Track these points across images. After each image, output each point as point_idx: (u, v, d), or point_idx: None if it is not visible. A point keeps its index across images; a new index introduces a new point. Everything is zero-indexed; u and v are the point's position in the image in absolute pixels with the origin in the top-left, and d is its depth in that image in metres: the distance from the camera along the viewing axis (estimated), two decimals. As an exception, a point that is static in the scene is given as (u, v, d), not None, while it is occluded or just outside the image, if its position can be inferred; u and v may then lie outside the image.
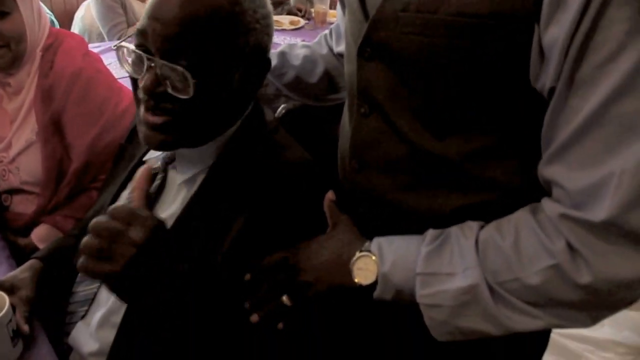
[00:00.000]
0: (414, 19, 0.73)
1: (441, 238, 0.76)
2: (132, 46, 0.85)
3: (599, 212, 0.62)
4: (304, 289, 0.84)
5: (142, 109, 0.87)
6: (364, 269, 0.80)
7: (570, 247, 0.66)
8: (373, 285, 0.80)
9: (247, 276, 0.86)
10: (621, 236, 0.63)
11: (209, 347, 0.86)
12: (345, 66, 0.95)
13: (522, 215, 0.73)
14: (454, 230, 0.77)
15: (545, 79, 0.66)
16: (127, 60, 0.88)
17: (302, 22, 3.03)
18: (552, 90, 0.66)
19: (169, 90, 0.82)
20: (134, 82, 0.89)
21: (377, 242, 0.81)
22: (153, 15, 0.82)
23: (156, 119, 0.85)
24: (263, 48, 0.91)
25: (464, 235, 0.75)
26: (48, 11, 1.41)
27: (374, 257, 0.80)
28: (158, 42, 0.81)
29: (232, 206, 0.89)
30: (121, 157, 1.16)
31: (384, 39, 0.78)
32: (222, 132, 0.95)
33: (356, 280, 0.80)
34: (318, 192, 0.91)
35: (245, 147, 0.94)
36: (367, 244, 0.82)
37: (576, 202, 0.65)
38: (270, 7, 0.93)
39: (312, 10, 3.15)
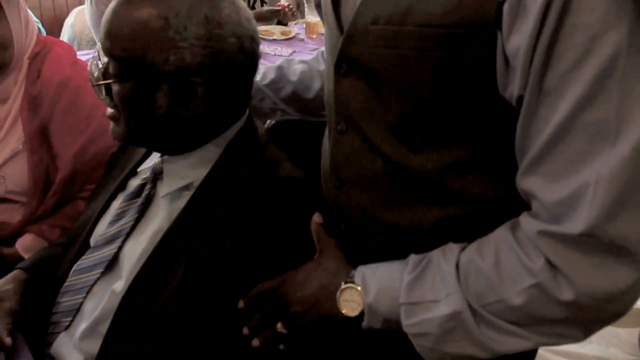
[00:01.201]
0: (383, 31, 0.73)
1: (423, 264, 0.76)
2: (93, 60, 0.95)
3: (577, 224, 0.61)
4: (294, 319, 0.84)
5: None
6: (350, 301, 0.80)
7: (550, 264, 0.65)
8: (361, 315, 0.80)
9: (241, 304, 0.86)
10: (600, 248, 0.62)
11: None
12: (325, 83, 0.95)
13: (501, 234, 0.72)
14: (435, 254, 0.76)
15: (512, 88, 0.66)
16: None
17: (294, 32, 3.03)
18: (520, 99, 0.65)
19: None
20: None
21: (361, 271, 0.81)
22: (102, 24, 0.90)
23: (109, 111, 0.94)
24: (193, 69, 0.86)
25: (445, 260, 0.75)
26: (35, 19, 1.40)
27: (358, 288, 0.79)
28: (102, 45, 0.90)
29: (222, 222, 0.89)
30: (113, 166, 1.16)
31: (357, 54, 0.78)
32: (199, 143, 0.95)
33: (343, 311, 0.80)
34: (309, 208, 0.91)
35: (235, 162, 0.95)
36: (352, 272, 0.82)
37: (553, 215, 0.65)
38: (231, 29, 0.88)
39: (303, 20, 3.17)
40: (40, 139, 1.38)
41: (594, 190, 0.60)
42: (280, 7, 3.21)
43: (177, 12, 0.84)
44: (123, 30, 0.85)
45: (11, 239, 1.41)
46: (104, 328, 0.94)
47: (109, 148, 1.40)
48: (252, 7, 3.30)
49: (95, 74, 0.92)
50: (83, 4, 3.07)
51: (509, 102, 0.69)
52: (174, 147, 0.97)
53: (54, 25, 3.50)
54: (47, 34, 1.49)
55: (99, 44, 0.92)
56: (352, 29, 0.78)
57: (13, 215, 1.43)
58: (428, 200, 0.81)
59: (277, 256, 0.87)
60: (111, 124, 0.95)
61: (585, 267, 0.63)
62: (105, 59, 0.91)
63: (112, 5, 0.88)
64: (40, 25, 2.63)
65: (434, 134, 0.76)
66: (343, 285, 0.80)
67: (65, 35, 3.01)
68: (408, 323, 0.75)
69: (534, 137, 0.65)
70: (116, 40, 0.86)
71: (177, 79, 0.86)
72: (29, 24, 1.39)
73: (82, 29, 2.97)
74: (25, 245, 1.39)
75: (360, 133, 0.83)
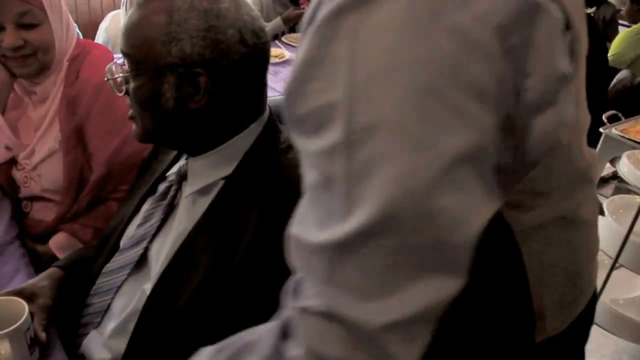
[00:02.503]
0: None
1: None
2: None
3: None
4: None
5: None
6: None
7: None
8: None
9: None
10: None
11: None
12: None
13: None
14: None
15: None
16: None
17: (287, 55, 3.00)
18: None
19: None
20: None
21: None
22: None
23: (130, 112, 1.00)
24: (196, 60, 0.90)
25: None
26: (73, 22, 1.43)
27: None
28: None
29: (243, 222, 0.90)
30: (144, 171, 1.18)
31: None
32: (216, 141, 0.97)
33: None
34: None
35: (256, 164, 0.96)
36: None
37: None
38: (230, 21, 0.91)
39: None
40: (76, 139, 1.41)
41: None
42: (304, 6, 3.18)
43: (179, 7, 0.90)
44: (132, 28, 0.94)
45: (45, 237, 1.44)
46: (131, 326, 0.96)
47: (143, 150, 1.41)
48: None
49: (115, 74, 1.00)
50: (117, 8, 3.13)
51: None
52: (191, 145, 1.00)
53: (89, 29, 3.57)
54: (82, 37, 1.52)
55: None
56: None
57: (47, 214, 1.47)
58: None
59: None
60: (133, 125, 1.01)
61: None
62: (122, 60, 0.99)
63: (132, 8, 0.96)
64: (77, 29, 2.68)
65: None
66: None
67: (99, 39, 3.06)
68: None
69: None
70: (127, 37, 0.94)
71: (181, 71, 0.91)
72: (70, 27, 1.43)
73: (116, 33, 3.02)
74: (58, 243, 1.42)
75: None
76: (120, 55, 1.00)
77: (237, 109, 0.97)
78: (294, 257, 0.53)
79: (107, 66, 1.00)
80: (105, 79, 1.00)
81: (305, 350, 0.50)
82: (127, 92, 0.98)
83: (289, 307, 0.53)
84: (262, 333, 0.57)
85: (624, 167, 1.84)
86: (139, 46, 0.92)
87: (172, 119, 0.95)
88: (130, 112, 1.00)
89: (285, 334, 0.54)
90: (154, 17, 0.91)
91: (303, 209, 0.54)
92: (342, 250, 0.47)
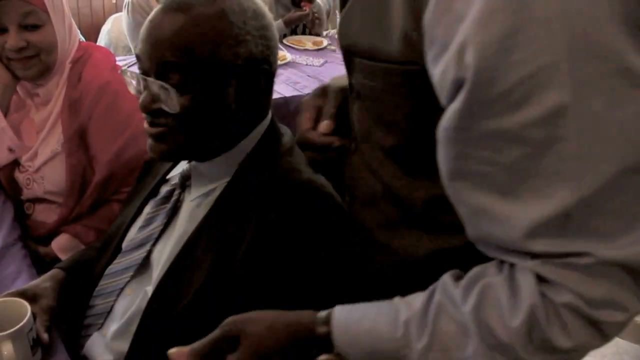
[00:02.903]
0: (362, 65, 0.76)
1: (429, 327, 0.66)
2: (133, 69, 0.93)
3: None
4: None
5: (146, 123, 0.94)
6: None
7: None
8: None
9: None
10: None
11: None
12: None
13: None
14: (437, 305, 0.67)
15: None
16: (131, 83, 0.95)
17: (325, 42, 3.05)
18: None
19: (162, 106, 0.88)
20: None
21: (338, 343, 0.71)
22: (144, 38, 0.90)
23: (153, 130, 0.92)
24: (259, 58, 0.92)
25: (455, 309, 0.66)
26: (75, 25, 1.45)
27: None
28: (149, 63, 0.89)
29: (242, 225, 0.90)
30: (146, 173, 1.18)
31: (354, 84, 0.81)
32: (230, 145, 0.97)
33: None
34: (327, 212, 0.91)
35: (257, 167, 0.96)
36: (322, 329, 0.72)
37: None
38: (269, 19, 0.95)
39: (335, 30, 3.17)
40: (79, 142, 1.41)
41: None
42: (306, 8, 3.17)
43: (232, 9, 0.89)
44: (183, 36, 0.86)
45: (47, 239, 1.44)
46: (134, 328, 0.96)
47: (145, 152, 1.40)
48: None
49: (141, 98, 0.90)
50: (119, 11, 3.14)
51: None
52: (208, 152, 0.97)
53: (91, 32, 3.58)
54: (84, 40, 1.53)
55: (138, 64, 0.92)
56: (345, 60, 0.81)
57: (50, 215, 1.47)
58: (420, 229, 0.81)
59: (295, 258, 0.88)
60: (149, 142, 0.94)
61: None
62: (150, 79, 0.88)
63: (156, 14, 0.89)
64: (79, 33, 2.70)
65: (421, 166, 0.77)
66: (322, 357, 0.71)
67: (102, 41, 3.08)
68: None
69: None
70: (176, 47, 0.86)
71: (245, 72, 0.90)
72: (72, 29, 1.43)
73: (118, 36, 3.04)
74: (61, 245, 1.42)
75: (363, 156, 0.86)
76: (124, 57, 1.00)
77: (258, 109, 0.98)
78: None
79: (138, 90, 0.91)
80: (144, 111, 0.90)
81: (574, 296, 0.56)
82: (160, 114, 0.89)
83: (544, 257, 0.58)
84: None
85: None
86: (197, 53, 0.86)
87: (219, 126, 0.93)
88: (158, 131, 0.91)
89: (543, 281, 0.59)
90: (211, 22, 0.87)
91: (506, 187, 0.57)
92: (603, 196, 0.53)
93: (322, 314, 0.72)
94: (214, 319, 0.88)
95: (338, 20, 0.79)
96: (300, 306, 0.77)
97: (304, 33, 3.25)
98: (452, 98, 0.58)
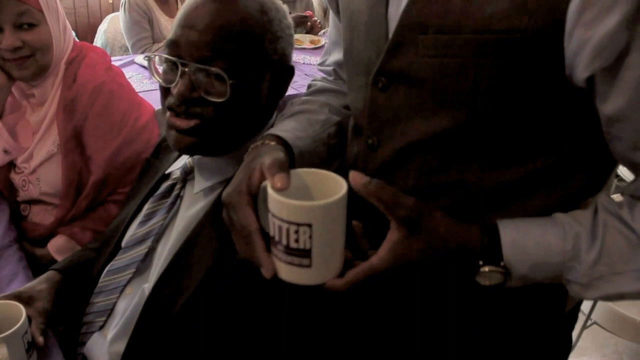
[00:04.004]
0: (435, 40, 0.71)
1: (599, 235, 0.70)
2: (164, 55, 0.90)
3: None
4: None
5: (169, 115, 0.91)
6: (488, 276, 0.73)
7: None
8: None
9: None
10: None
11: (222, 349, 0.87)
12: (349, 93, 0.92)
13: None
14: (606, 220, 0.71)
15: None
16: (157, 70, 0.93)
17: (322, 41, 3.04)
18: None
19: (203, 94, 0.86)
20: (165, 90, 0.92)
21: (507, 252, 0.72)
22: (186, 24, 0.87)
23: (185, 123, 0.89)
24: (287, 56, 0.96)
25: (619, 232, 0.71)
26: (69, 25, 1.44)
27: (501, 271, 0.72)
28: (193, 49, 0.86)
29: None
30: (146, 171, 1.17)
31: (402, 66, 0.76)
32: (245, 140, 0.97)
33: (477, 279, 0.74)
34: None
35: None
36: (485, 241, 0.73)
37: None
38: (290, 19, 0.98)
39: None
40: (74, 142, 1.40)
41: None
42: (309, 14, 3.22)
43: (269, 6, 0.92)
44: (236, 23, 0.88)
45: (43, 240, 1.43)
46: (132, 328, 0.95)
47: (141, 152, 1.42)
48: None
49: (176, 87, 0.87)
50: (116, 11, 3.14)
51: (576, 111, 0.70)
52: (230, 146, 0.96)
53: (88, 31, 3.58)
54: (80, 39, 1.52)
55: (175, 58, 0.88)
56: (396, 40, 0.75)
57: (46, 217, 1.47)
58: (463, 217, 0.76)
59: None
60: (173, 135, 0.91)
61: None
62: (196, 64, 0.86)
63: (199, 1, 0.88)
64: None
65: (479, 149, 0.75)
66: (485, 269, 0.72)
67: (98, 41, 3.07)
68: (587, 296, 0.72)
69: None
70: (226, 33, 0.87)
71: (278, 68, 0.94)
72: (67, 29, 1.43)
73: (115, 35, 3.03)
74: (57, 246, 1.42)
75: (394, 148, 0.81)
76: (120, 57, 0.98)
77: (275, 107, 1.02)
78: None
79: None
80: (189, 97, 0.87)
81: None
82: (202, 103, 0.87)
83: None
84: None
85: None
86: (242, 43, 0.88)
87: (248, 120, 0.95)
88: (192, 124, 0.89)
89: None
90: (257, 15, 0.90)
91: None
92: None
93: (486, 225, 0.73)
94: (214, 315, 0.88)
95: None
96: (305, 297, 0.78)
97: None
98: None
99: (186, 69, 0.86)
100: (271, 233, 0.69)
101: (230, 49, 0.87)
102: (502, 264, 0.71)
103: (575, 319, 0.96)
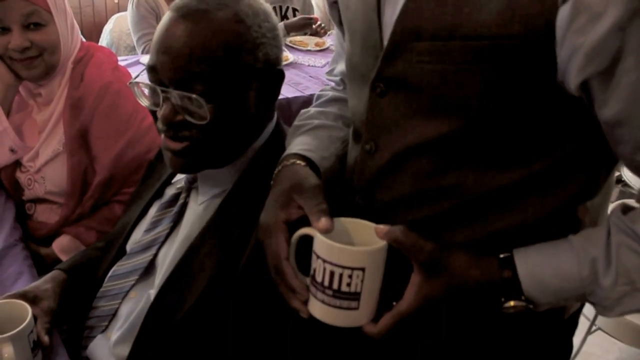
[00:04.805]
0: (429, 47, 0.71)
1: (613, 257, 0.71)
2: (145, 82, 0.89)
3: None
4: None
5: (163, 136, 0.91)
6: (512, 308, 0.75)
7: None
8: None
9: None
10: None
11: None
12: (350, 100, 0.92)
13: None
14: (617, 239, 0.71)
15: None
16: (144, 94, 0.92)
17: (327, 43, 3.04)
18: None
19: (187, 118, 0.85)
20: (153, 114, 0.91)
21: (527, 285, 0.73)
22: (160, 49, 0.86)
23: (176, 145, 0.89)
24: (273, 60, 0.92)
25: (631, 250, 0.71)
26: (77, 25, 1.45)
27: (524, 304, 0.74)
28: (170, 74, 0.85)
29: (247, 227, 0.89)
30: (150, 174, 1.17)
31: (398, 72, 0.76)
32: (244, 149, 0.96)
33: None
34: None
35: (262, 171, 0.95)
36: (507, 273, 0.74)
37: None
38: (275, 19, 0.94)
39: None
40: (80, 142, 1.41)
41: None
42: (314, 18, 3.23)
43: (246, 12, 0.88)
44: (206, 45, 0.84)
45: (48, 239, 1.44)
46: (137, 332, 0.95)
47: (147, 153, 1.42)
48: (284, 17, 3.31)
49: (161, 112, 0.86)
50: (122, 10, 3.15)
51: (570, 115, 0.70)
52: (227, 158, 0.96)
53: (93, 32, 3.58)
54: (86, 39, 1.52)
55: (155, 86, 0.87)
56: (391, 47, 0.76)
57: (51, 216, 1.47)
58: (459, 221, 0.78)
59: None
60: (169, 156, 0.91)
61: None
62: (174, 91, 0.85)
63: (171, 23, 0.86)
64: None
65: (475, 153, 0.75)
66: (510, 303, 0.74)
67: (103, 41, 3.07)
68: (612, 315, 0.73)
69: None
70: (199, 56, 0.84)
71: (264, 75, 0.90)
72: (74, 29, 1.43)
73: (120, 35, 3.04)
74: (62, 246, 1.42)
75: (391, 153, 0.81)
76: (125, 57, 0.98)
77: (271, 111, 0.99)
78: None
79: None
80: (165, 129, 0.87)
81: None
82: (185, 127, 0.86)
83: None
84: None
85: (629, 171, 1.83)
86: (222, 59, 0.84)
87: (240, 132, 0.92)
88: (182, 146, 0.88)
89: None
90: (230, 27, 0.85)
91: None
92: None
93: (503, 259, 0.74)
94: (217, 323, 0.87)
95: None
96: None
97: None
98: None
99: (167, 95, 0.85)
100: (318, 278, 0.70)
101: (206, 69, 0.84)
102: (523, 297, 0.73)
103: (575, 325, 0.96)
